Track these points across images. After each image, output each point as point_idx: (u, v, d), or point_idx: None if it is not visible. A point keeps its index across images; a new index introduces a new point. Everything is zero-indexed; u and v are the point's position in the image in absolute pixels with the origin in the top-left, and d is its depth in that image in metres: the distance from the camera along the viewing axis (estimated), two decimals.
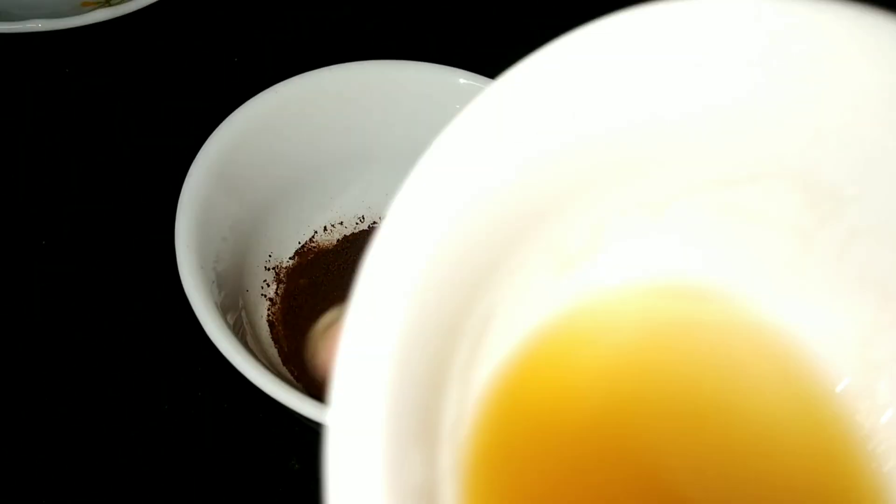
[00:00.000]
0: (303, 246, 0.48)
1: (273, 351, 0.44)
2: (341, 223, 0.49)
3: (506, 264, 0.20)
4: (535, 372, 0.22)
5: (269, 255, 0.46)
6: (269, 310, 0.45)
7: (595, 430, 0.22)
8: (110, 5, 0.46)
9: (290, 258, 0.47)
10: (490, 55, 0.51)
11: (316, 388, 0.43)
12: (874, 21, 0.18)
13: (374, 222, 0.49)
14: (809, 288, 0.22)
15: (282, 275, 0.47)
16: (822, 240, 0.22)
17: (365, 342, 0.15)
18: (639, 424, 0.22)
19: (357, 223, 0.49)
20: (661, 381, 0.23)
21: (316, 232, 0.48)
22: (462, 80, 0.45)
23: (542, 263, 0.21)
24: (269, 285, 0.46)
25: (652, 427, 0.22)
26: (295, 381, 0.43)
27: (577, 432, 0.22)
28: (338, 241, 0.49)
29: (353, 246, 0.49)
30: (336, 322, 0.19)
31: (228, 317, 0.40)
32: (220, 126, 0.42)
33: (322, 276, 0.48)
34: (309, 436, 0.43)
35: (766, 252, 0.22)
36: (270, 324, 0.45)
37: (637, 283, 0.23)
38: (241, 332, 0.41)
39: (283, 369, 0.43)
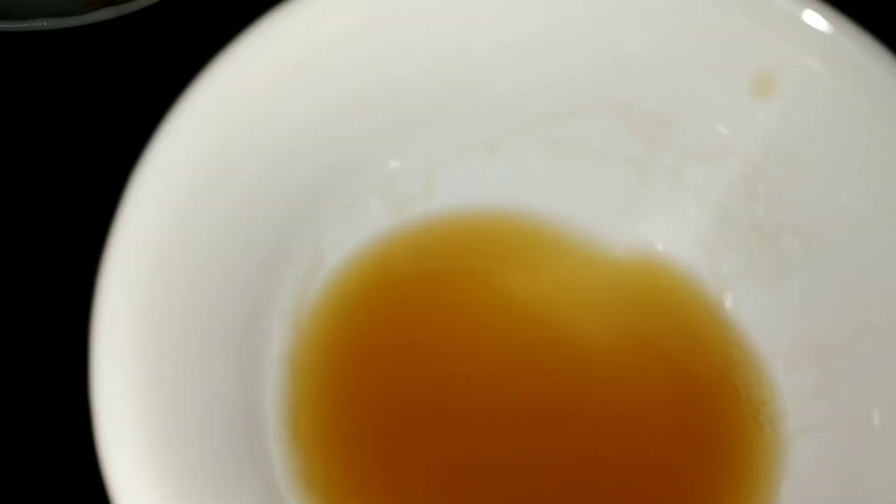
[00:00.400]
0: None
1: None
2: None
3: (330, 204, 0.21)
4: (370, 294, 0.23)
5: None
6: None
7: (427, 351, 0.23)
8: (115, 4, 0.47)
9: None
10: None
11: None
12: None
13: None
14: (654, 214, 0.24)
15: None
16: (656, 167, 0.23)
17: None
18: (478, 343, 0.23)
19: None
20: (508, 303, 0.24)
21: None
22: None
23: (376, 204, 0.22)
24: None
25: (494, 349, 0.23)
26: None
27: (406, 349, 0.23)
28: None
29: None
30: None
31: None
32: None
33: None
34: None
35: (606, 186, 0.23)
36: None
37: (477, 217, 0.24)
38: None
39: None
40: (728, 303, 0.23)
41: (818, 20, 0.20)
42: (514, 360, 0.23)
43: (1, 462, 0.39)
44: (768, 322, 0.22)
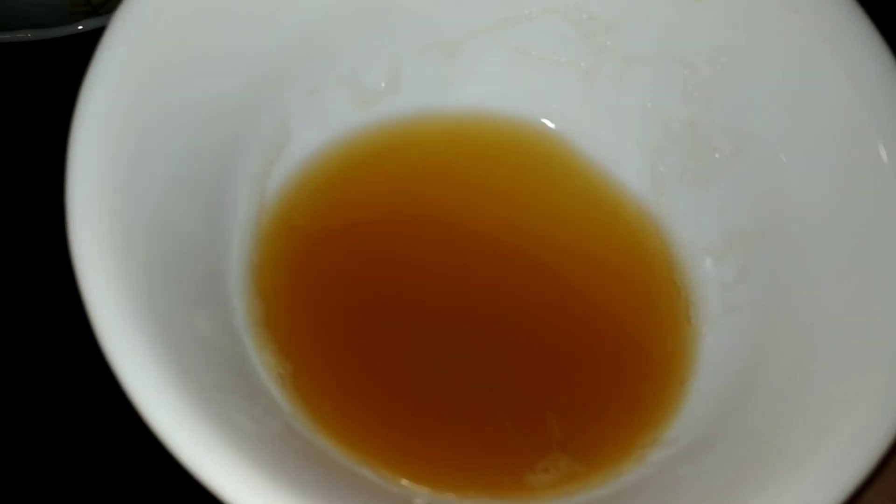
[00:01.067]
0: None
1: None
2: None
3: (296, 85, 0.22)
4: (335, 182, 0.23)
5: None
6: None
7: (386, 249, 0.23)
8: (98, 15, 0.47)
9: None
10: None
11: None
12: None
13: None
14: (599, 119, 0.25)
15: None
16: (603, 72, 0.24)
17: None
18: (433, 235, 0.24)
19: None
20: (459, 200, 0.25)
21: None
22: None
23: (341, 94, 0.23)
24: None
25: (451, 239, 0.24)
26: None
27: (368, 244, 0.24)
28: None
29: None
30: None
31: None
32: None
33: None
34: None
35: (556, 91, 0.25)
36: None
37: (437, 117, 0.25)
38: None
39: None
40: (664, 203, 0.24)
41: None
42: (464, 251, 0.24)
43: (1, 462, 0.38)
44: (699, 219, 0.23)
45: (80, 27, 0.46)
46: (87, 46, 0.58)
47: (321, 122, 0.23)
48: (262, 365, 0.19)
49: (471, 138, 0.25)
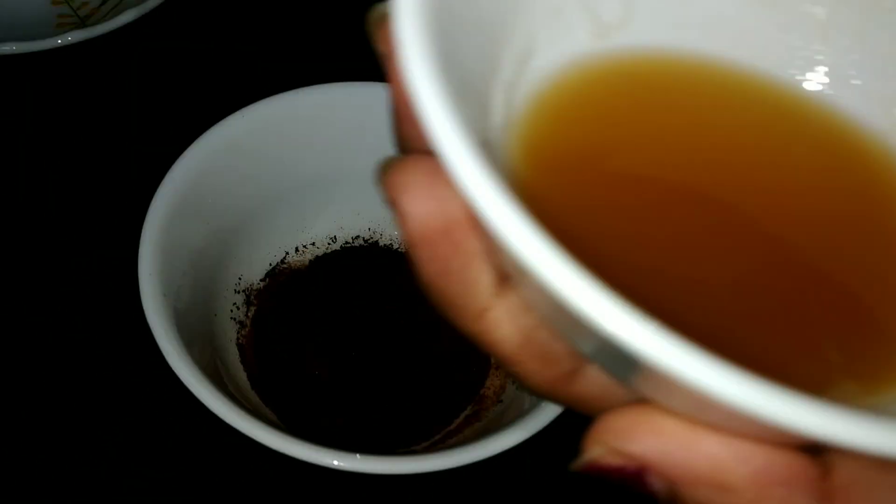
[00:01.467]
0: (274, 267, 0.47)
1: (242, 375, 0.43)
2: (313, 244, 0.48)
3: (540, 6, 0.22)
4: (573, 107, 0.23)
5: (240, 278, 0.46)
6: (238, 333, 0.44)
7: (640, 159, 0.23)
8: (85, 27, 0.46)
9: (260, 280, 0.47)
10: None
11: (282, 411, 0.43)
12: None
13: (347, 242, 0.48)
14: (840, 66, 0.24)
15: (252, 297, 0.46)
16: (841, 21, 0.24)
17: None
18: (679, 162, 0.23)
19: (329, 244, 0.48)
20: (696, 130, 0.24)
21: (287, 253, 0.48)
22: None
23: (579, 21, 0.23)
24: (238, 308, 0.45)
25: (692, 169, 0.23)
26: (262, 405, 0.43)
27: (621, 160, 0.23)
28: (310, 261, 0.48)
29: (326, 267, 0.48)
30: None
31: (194, 342, 0.39)
32: (186, 151, 0.41)
33: (294, 297, 0.47)
34: (266, 463, 0.43)
35: (794, 40, 0.24)
36: (240, 347, 0.44)
37: (672, 49, 0.24)
38: (208, 356, 0.41)
39: (251, 394, 0.43)
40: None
41: None
42: (717, 182, 0.23)
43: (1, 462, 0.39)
44: None
45: (69, 39, 0.45)
46: (74, 59, 0.57)
47: (561, 42, 0.23)
48: None
49: (704, 79, 0.24)
